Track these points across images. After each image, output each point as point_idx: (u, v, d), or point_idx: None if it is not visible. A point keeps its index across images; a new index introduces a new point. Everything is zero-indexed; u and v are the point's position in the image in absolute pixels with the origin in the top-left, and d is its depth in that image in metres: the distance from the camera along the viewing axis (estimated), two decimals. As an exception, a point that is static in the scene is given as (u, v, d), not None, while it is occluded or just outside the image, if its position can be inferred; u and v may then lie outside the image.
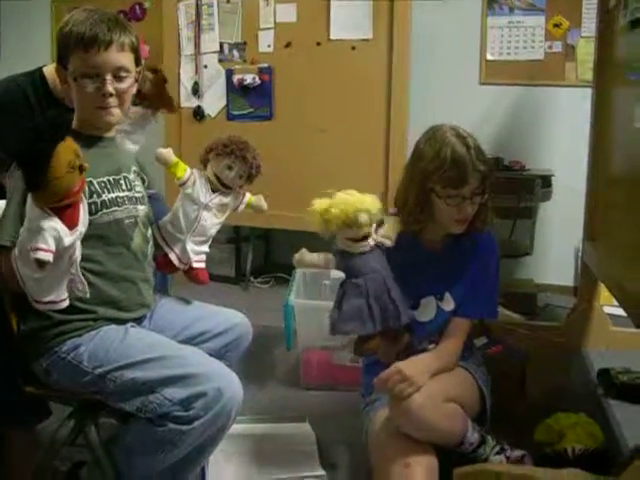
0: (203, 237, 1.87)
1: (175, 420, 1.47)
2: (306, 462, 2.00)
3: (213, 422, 1.49)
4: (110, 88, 1.57)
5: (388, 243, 1.77)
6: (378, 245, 1.76)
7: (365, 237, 1.72)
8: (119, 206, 1.65)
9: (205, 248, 1.90)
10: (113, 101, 1.60)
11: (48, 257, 1.32)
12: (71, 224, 1.39)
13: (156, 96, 2.26)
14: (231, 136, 1.87)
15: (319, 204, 1.69)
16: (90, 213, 1.55)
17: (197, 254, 1.87)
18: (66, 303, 1.47)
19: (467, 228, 1.83)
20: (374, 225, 1.74)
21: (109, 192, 1.63)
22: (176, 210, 1.84)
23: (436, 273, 1.88)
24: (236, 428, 2.14)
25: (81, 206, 1.44)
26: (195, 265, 1.88)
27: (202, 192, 1.83)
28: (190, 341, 1.74)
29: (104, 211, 1.60)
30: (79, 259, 1.45)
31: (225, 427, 1.55)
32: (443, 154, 1.74)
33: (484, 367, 1.99)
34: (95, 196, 1.59)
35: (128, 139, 2.01)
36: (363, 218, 1.66)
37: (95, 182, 1.60)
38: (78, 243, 1.44)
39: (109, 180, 1.65)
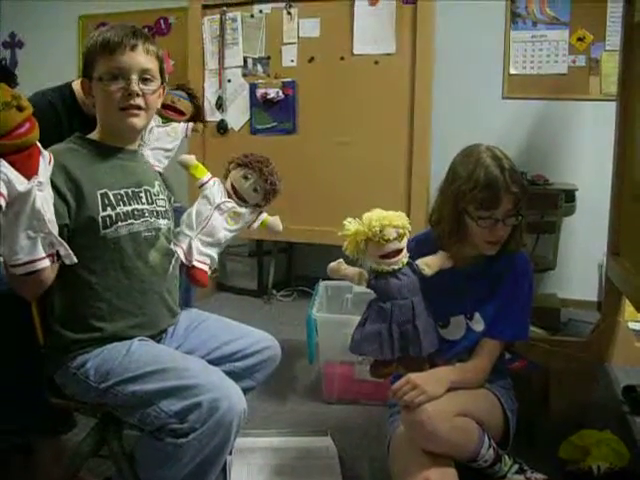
0: (210, 238, 1.87)
1: (171, 433, 1.43)
2: (328, 476, 1.99)
3: (211, 434, 1.43)
4: (136, 87, 1.57)
5: (426, 272, 1.75)
6: (414, 270, 1.75)
7: (395, 253, 1.71)
8: (136, 219, 1.62)
9: (211, 252, 1.88)
10: (139, 101, 1.59)
11: None
12: (27, 172, 1.30)
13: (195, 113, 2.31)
14: (254, 153, 1.93)
15: (348, 226, 1.71)
16: (105, 226, 1.55)
17: (201, 254, 1.86)
18: (45, 263, 1.38)
19: (501, 249, 1.80)
20: (404, 242, 1.72)
21: (125, 205, 1.61)
22: (191, 209, 1.89)
23: (467, 292, 1.85)
24: (258, 441, 2.16)
25: (41, 158, 1.36)
26: (196, 264, 1.85)
27: (218, 194, 1.89)
28: (220, 359, 1.71)
29: (119, 224, 1.58)
30: (50, 216, 1.36)
31: (227, 439, 1.46)
32: (476, 175, 1.71)
33: (513, 394, 1.92)
34: (109, 208, 1.57)
35: (155, 157, 2.05)
36: (388, 231, 1.67)
37: (111, 194, 1.59)
38: (44, 195, 1.35)
39: (127, 192, 1.63)
